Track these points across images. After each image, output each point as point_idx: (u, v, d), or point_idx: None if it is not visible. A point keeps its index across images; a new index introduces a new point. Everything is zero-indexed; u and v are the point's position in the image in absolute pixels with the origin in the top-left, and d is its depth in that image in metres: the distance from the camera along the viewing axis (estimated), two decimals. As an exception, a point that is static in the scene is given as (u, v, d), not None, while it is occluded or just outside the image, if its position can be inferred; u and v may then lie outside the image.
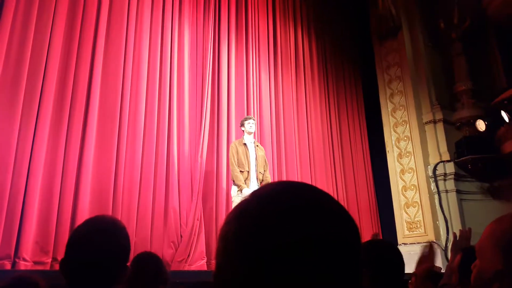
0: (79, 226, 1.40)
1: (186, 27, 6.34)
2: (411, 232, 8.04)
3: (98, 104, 4.92)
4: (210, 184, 5.98)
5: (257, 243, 0.54)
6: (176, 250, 5.23)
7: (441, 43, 9.02)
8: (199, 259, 5.30)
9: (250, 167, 5.38)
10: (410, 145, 8.47)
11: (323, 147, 8.25)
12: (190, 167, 5.85)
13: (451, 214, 7.71)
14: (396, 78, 9.01)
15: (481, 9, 8.37)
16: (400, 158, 8.55)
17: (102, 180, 4.76)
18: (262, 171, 5.49)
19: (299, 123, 7.82)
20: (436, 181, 7.96)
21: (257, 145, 5.63)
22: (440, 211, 7.80)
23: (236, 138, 6.42)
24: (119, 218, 4.43)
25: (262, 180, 5.42)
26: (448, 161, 7.98)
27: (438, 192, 7.91)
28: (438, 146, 8.23)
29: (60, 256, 1.35)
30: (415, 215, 8.06)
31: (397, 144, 8.66)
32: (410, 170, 8.34)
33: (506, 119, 7.53)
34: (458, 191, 7.87)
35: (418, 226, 7.97)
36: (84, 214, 4.34)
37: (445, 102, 8.57)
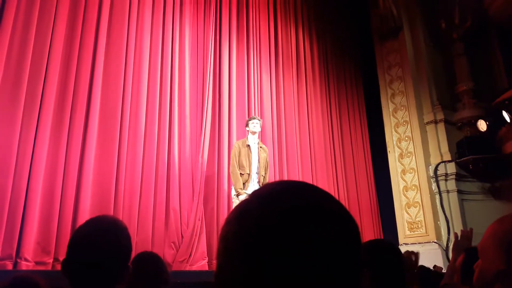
0: (81, 227, 1.40)
1: (187, 28, 6.34)
2: (412, 232, 8.03)
3: (99, 105, 4.93)
4: (211, 185, 5.98)
5: (257, 243, 0.54)
6: (177, 250, 5.24)
7: (442, 43, 9.01)
8: (201, 259, 5.30)
9: (251, 169, 5.37)
10: (411, 145, 8.46)
11: (324, 147, 8.25)
12: (191, 168, 5.85)
13: (452, 214, 7.71)
14: (397, 78, 9.00)
15: (483, 9, 8.36)
16: (401, 158, 8.54)
17: (103, 180, 4.77)
18: (263, 173, 5.48)
19: (300, 124, 7.82)
20: (437, 181, 7.96)
21: (260, 147, 5.61)
22: (441, 211, 7.79)
23: (237, 138, 6.42)
24: (121, 218, 4.44)
25: (263, 183, 5.39)
26: (449, 161, 7.98)
27: (439, 192, 7.90)
28: (439, 146, 8.22)
29: (62, 256, 1.35)
30: (416, 215, 8.05)
31: (398, 144, 8.65)
32: (411, 170, 8.34)
33: (507, 119, 7.52)
34: (459, 191, 7.86)
35: (419, 226, 7.96)
36: (86, 214, 4.34)
37: (446, 102, 8.56)
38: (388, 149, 8.79)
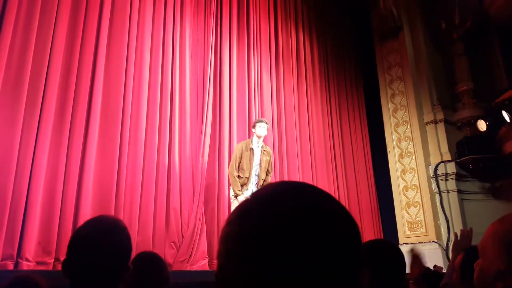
0: (81, 227, 1.40)
1: (187, 28, 6.35)
2: (412, 232, 8.04)
3: (100, 106, 4.93)
4: (212, 185, 5.98)
5: (257, 244, 0.54)
6: (178, 250, 5.24)
7: (442, 44, 9.02)
8: (201, 259, 5.31)
9: (251, 173, 5.32)
10: (411, 145, 8.47)
11: (325, 147, 8.26)
12: (191, 168, 5.86)
13: (452, 214, 7.71)
14: (397, 78, 9.01)
15: (483, 9, 8.37)
16: (401, 158, 8.54)
17: (104, 180, 4.77)
18: (264, 177, 5.46)
19: (300, 124, 7.82)
20: (437, 181, 7.97)
21: (264, 150, 5.51)
22: (441, 211, 7.80)
23: (238, 138, 6.42)
24: (121, 218, 4.45)
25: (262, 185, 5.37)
26: (449, 161, 7.98)
27: (439, 192, 7.91)
28: (439, 146, 8.23)
29: (63, 256, 1.36)
30: (416, 215, 8.05)
31: (398, 144, 8.66)
32: (411, 170, 8.34)
33: (507, 119, 7.52)
34: (459, 191, 7.87)
35: (419, 226, 7.97)
36: (87, 214, 4.34)
37: (446, 102, 8.56)
38: (388, 149, 8.80)
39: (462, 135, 8.24)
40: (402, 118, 8.74)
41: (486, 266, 1.07)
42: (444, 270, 4.57)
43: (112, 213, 4.63)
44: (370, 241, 1.91)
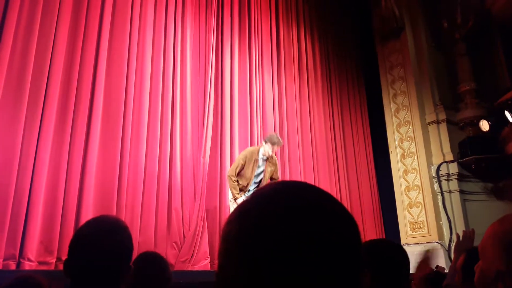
0: (82, 227, 1.41)
1: (188, 28, 6.35)
2: (414, 233, 8.02)
3: (102, 105, 4.94)
4: (213, 185, 5.98)
5: (257, 244, 0.54)
6: (179, 250, 5.25)
7: (444, 43, 8.99)
8: (203, 259, 5.31)
9: (250, 182, 5.25)
10: (413, 146, 8.45)
11: (326, 147, 8.25)
12: (193, 168, 5.86)
13: (455, 215, 7.69)
14: (399, 78, 8.99)
15: (485, 9, 8.35)
16: (403, 159, 8.53)
17: (106, 180, 4.78)
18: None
19: (302, 124, 7.82)
20: (439, 182, 7.95)
21: (270, 162, 5.35)
22: (444, 211, 7.78)
23: (239, 138, 6.43)
24: (123, 218, 4.46)
25: None
26: (451, 161, 7.96)
27: (442, 193, 7.89)
28: (442, 147, 8.21)
29: (65, 256, 1.36)
30: (418, 215, 8.04)
31: (400, 144, 8.64)
32: (413, 171, 8.32)
33: (510, 119, 7.50)
34: (461, 192, 7.85)
35: (422, 226, 7.95)
36: (88, 214, 4.35)
37: (449, 102, 8.54)
38: (390, 149, 8.79)
39: (465, 135, 8.21)
40: (404, 118, 8.72)
41: (486, 267, 1.07)
42: (446, 271, 4.56)
43: (114, 213, 4.64)
44: (372, 240, 1.90)
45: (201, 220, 5.53)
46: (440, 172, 7.96)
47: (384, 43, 9.39)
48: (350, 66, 9.81)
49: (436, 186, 7.98)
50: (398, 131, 8.74)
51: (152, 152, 5.36)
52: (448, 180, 7.90)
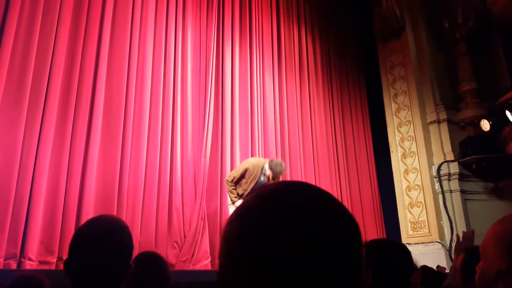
0: (82, 226, 1.41)
1: (189, 28, 6.35)
2: (415, 232, 8.02)
3: (102, 105, 4.94)
4: (214, 184, 5.98)
5: (257, 244, 0.54)
6: (180, 250, 5.25)
7: (445, 43, 8.99)
8: (204, 259, 5.31)
9: (246, 194, 5.17)
10: (414, 145, 8.45)
11: (327, 147, 8.24)
12: (193, 168, 5.86)
13: (456, 214, 7.69)
14: (400, 78, 8.99)
15: (486, 9, 8.34)
16: (404, 158, 8.53)
17: (106, 180, 4.78)
18: None
19: (303, 124, 7.82)
20: (440, 181, 7.94)
21: (269, 180, 5.19)
22: (445, 211, 7.78)
23: (240, 138, 6.42)
24: (124, 218, 4.47)
25: None
26: (452, 161, 7.96)
27: (442, 192, 7.89)
28: (442, 146, 8.21)
29: (66, 255, 1.36)
30: (419, 215, 8.04)
31: (401, 144, 8.64)
32: (414, 170, 8.32)
33: (511, 119, 7.49)
34: (462, 191, 7.84)
35: (422, 226, 7.95)
36: (89, 214, 4.35)
37: (449, 102, 8.54)
38: (391, 149, 8.79)
39: (465, 135, 8.21)
40: (405, 118, 8.72)
41: (487, 266, 1.07)
42: (447, 271, 4.56)
43: (115, 212, 4.64)
44: (373, 240, 1.90)
45: (201, 219, 5.53)
46: (441, 172, 7.95)
47: (385, 43, 9.39)
48: (351, 66, 9.81)
49: (437, 185, 7.98)
50: (399, 131, 8.74)
51: (152, 152, 5.36)
52: (449, 180, 7.90)
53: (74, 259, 1.32)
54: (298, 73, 8.10)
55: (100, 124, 4.87)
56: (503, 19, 8.19)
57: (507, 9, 7.88)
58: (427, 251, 7.37)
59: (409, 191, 8.30)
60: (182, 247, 5.27)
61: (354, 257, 0.56)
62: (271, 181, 5.14)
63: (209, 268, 5.23)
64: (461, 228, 7.14)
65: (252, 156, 6.46)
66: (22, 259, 3.86)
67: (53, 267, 4.04)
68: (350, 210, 0.61)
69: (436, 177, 7.99)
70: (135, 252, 1.51)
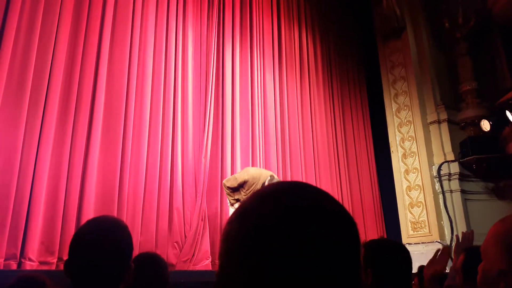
0: (82, 227, 1.41)
1: (190, 28, 6.35)
2: (415, 232, 8.02)
3: (103, 105, 4.94)
4: (214, 184, 5.98)
5: (257, 244, 0.54)
6: (180, 250, 5.25)
7: (445, 43, 8.99)
8: (204, 259, 5.31)
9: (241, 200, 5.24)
10: (414, 145, 8.45)
11: (328, 147, 8.25)
12: (194, 168, 5.86)
13: (456, 214, 7.69)
14: (400, 78, 9.00)
15: (486, 9, 8.35)
16: (405, 158, 8.53)
17: (107, 180, 4.78)
18: None
19: (303, 123, 7.82)
20: (440, 181, 7.94)
21: None
22: (445, 211, 7.78)
23: (241, 139, 6.42)
24: (124, 219, 4.48)
25: None
26: (452, 161, 7.96)
27: (443, 192, 7.89)
28: (443, 146, 8.21)
29: (66, 256, 1.36)
30: (420, 215, 8.04)
31: (402, 144, 8.64)
32: (414, 170, 8.33)
33: (511, 119, 7.50)
34: (462, 191, 7.84)
35: (423, 226, 7.95)
36: (90, 214, 4.35)
37: (450, 102, 8.54)
38: (391, 149, 8.79)
39: (466, 135, 8.21)
40: (405, 118, 8.72)
41: (488, 266, 1.07)
42: (447, 271, 4.55)
43: (115, 213, 4.64)
44: (373, 240, 1.90)
45: (202, 220, 5.53)
46: (441, 172, 7.96)
47: (386, 43, 9.39)
48: (351, 65, 9.81)
49: (437, 185, 7.98)
50: (399, 131, 8.74)
51: (153, 152, 5.36)
52: (449, 180, 7.90)
53: (74, 260, 1.32)
54: (298, 72, 8.10)
55: (101, 123, 4.87)
56: (504, 19, 8.19)
57: (507, 9, 7.89)
58: (428, 251, 7.34)
59: (409, 191, 8.30)
60: (182, 247, 5.27)
61: (354, 257, 0.56)
62: None
63: (210, 268, 5.23)
64: (461, 228, 7.14)
65: (252, 156, 6.47)
66: (23, 260, 3.87)
67: (54, 268, 4.04)
68: (350, 210, 0.61)
69: (437, 177, 7.99)
70: (136, 252, 1.51)
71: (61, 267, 3.95)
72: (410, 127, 8.60)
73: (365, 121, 9.62)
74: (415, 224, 8.06)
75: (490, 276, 1.05)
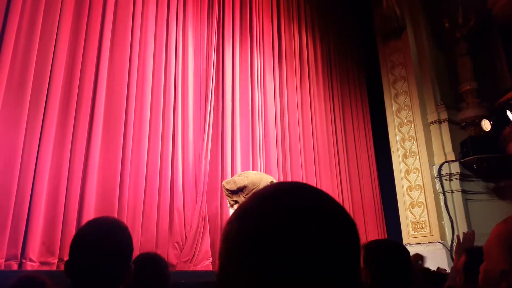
0: (82, 228, 1.41)
1: (190, 28, 6.35)
2: (416, 232, 8.02)
3: (103, 105, 4.94)
4: (214, 185, 5.98)
5: (257, 244, 0.54)
6: (181, 250, 5.25)
7: (445, 43, 9.00)
8: (204, 259, 5.31)
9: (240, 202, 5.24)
10: (415, 145, 8.45)
11: (328, 147, 8.25)
12: (194, 168, 5.86)
13: (457, 214, 7.69)
14: (400, 78, 9.00)
15: (486, 9, 8.35)
16: (405, 158, 8.53)
17: (107, 180, 4.78)
18: None
19: (304, 124, 7.82)
20: (441, 181, 7.94)
21: None
22: (446, 211, 7.78)
23: (241, 139, 6.42)
24: (125, 219, 4.48)
25: None
26: (453, 161, 7.96)
27: (443, 192, 7.89)
28: (443, 146, 8.21)
29: (67, 256, 1.36)
30: (420, 215, 8.04)
31: (402, 144, 8.64)
32: (415, 170, 8.32)
33: (511, 119, 7.50)
34: (463, 191, 7.84)
35: (424, 226, 7.95)
36: (90, 214, 4.36)
37: (450, 102, 8.55)
38: (392, 149, 8.79)
39: (466, 135, 8.21)
40: (405, 118, 8.72)
41: (490, 266, 1.07)
42: (447, 271, 4.56)
43: (116, 213, 4.65)
44: (372, 241, 1.90)
45: (202, 220, 5.53)
46: (442, 172, 7.95)
47: (386, 43, 9.39)
48: (351, 66, 9.82)
49: (438, 185, 7.98)
50: (399, 131, 8.74)
51: (153, 153, 5.36)
52: (450, 180, 7.90)
53: (74, 260, 1.33)
54: (298, 72, 8.10)
55: (101, 124, 4.88)
56: (504, 19, 8.20)
57: (507, 9, 7.89)
58: (428, 251, 7.35)
59: (410, 191, 8.30)
60: (183, 248, 5.28)
61: (354, 257, 0.57)
62: None
63: (210, 268, 5.23)
64: (462, 228, 7.14)
65: (253, 157, 6.47)
66: (23, 260, 3.87)
67: (54, 268, 4.04)
68: (351, 210, 0.61)
69: (437, 177, 7.99)
70: (136, 253, 1.51)
71: (62, 267, 3.95)
72: (411, 127, 8.60)
73: (365, 121, 9.62)
74: (416, 224, 8.06)
75: (492, 277, 1.04)
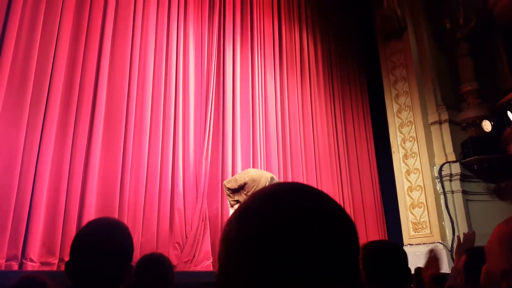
0: (83, 228, 1.42)
1: (191, 29, 6.36)
2: (416, 233, 8.01)
3: (104, 106, 4.95)
4: (215, 185, 5.98)
5: (257, 244, 0.54)
6: (181, 251, 5.25)
7: (446, 44, 8.99)
8: (205, 260, 5.31)
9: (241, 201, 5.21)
10: (415, 146, 8.44)
11: (328, 147, 8.25)
12: (195, 169, 5.87)
13: (457, 215, 7.68)
14: (401, 78, 8.99)
15: (487, 9, 8.35)
16: (406, 159, 8.52)
17: (108, 181, 4.79)
18: None
19: (304, 125, 7.82)
20: (442, 182, 7.94)
21: None
22: (446, 212, 7.77)
23: (241, 139, 6.42)
24: (125, 220, 4.49)
25: None
26: (454, 161, 7.96)
27: (444, 193, 7.88)
28: (444, 147, 8.20)
29: (67, 257, 1.37)
30: (421, 215, 8.03)
31: (403, 144, 8.64)
32: (415, 171, 8.32)
33: (513, 120, 7.49)
34: (464, 192, 7.83)
35: (424, 226, 7.94)
36: (91, 215, 4.36)
37: (451, 102, 8.54)
38: (393, 149, 8.78)
39: (467, 136, 8.20)
40: (406, 118, 8.72)
41: (492, 266, 1.07)
42: (448, 272, 4.55)
43: (116, 213, 4.65)
44: (372, 241, 1.90)
45: (202, 221, 5.54)
46: (443, 173, 7.95)
47: (386, 43, 9.39)
48: (352, 66, 9.82)
49: (438, 186, 7.97)
50: (400, 132, 8.73)
51: (154, 153, 5.36)
52: (450, 181, 7.89)
53: (75, 261, 1.33)
54: (299, 73, 8.11)
55: (102, 124, 4.88)
56: (505, 19, 8.19)
57: (508, 10, 7.89)
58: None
59: (410, 192, 8.29)
60: (183, 248, 5.28)
61: (353, 258, 0.57)
62: None
63: (211, 269, 5.23)
64: (462, 229, 7.14)
65: (253, 157, 6.47)
66: (24, 260, 3.87)
67: (55, 268, 4.05)
68: (351, 211, 0.61)
69: (438, 178, 7.99)
70: (137, 253, 1.51)
71: (62, 268, 3.95)
72: (411, 127, 8.59)
73: (366, 122, 9.62)
74: (416, 224, 8.05)
75: (494, 276, 1.05)
